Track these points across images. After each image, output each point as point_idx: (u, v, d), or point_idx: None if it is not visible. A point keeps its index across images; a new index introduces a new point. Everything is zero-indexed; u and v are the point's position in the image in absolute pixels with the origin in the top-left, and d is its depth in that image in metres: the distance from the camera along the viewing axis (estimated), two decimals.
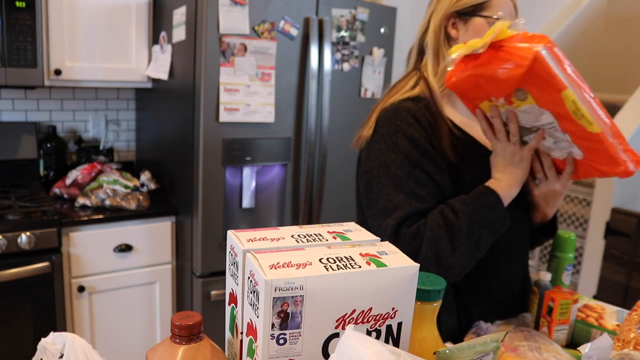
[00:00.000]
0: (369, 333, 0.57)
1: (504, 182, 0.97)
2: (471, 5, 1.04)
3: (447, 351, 0.66)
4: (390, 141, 1.00)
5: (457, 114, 1.08)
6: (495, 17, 1.03)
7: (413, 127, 1.00)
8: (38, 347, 0.53)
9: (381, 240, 0.65)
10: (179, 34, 1.93)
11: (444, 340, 0.72)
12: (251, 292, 0.55)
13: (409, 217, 0.95)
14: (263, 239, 0.61)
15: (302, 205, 2.07)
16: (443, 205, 0.96)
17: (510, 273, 1.09)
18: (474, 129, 1.07)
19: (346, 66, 2.06)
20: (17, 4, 1.82)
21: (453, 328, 1.02)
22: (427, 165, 0.98)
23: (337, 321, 0.55)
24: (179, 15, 1.92)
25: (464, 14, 1.04)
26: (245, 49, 1.81)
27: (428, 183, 0.98)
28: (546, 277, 1.04)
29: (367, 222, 1.05)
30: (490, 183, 0.98)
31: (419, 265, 0.58)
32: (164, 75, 2.07)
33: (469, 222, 0.93)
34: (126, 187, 2.06)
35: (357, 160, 1.11)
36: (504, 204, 0.96)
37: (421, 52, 1.10)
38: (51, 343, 0.53)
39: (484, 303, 1.05)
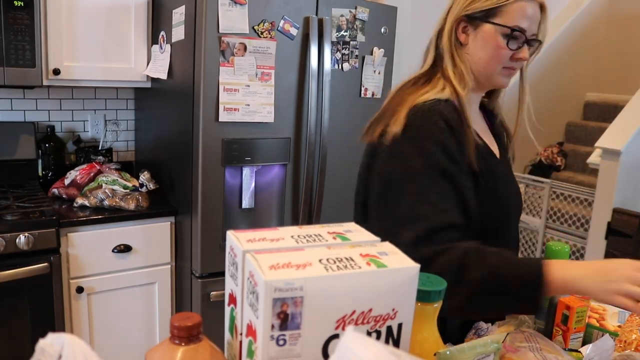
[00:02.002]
0: (369, 334, 0.57)
1: (569, 272, 0.81)
2: (482, 10, 0.95)
3: (448, 352, 0.66)
4: (421, 145, 0.94)
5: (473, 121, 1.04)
6: (509, 26, 0.94)
7: (444, 133, 0.94)
8: (36, 348, 0.53)
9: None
10: (178, 33, 1.93)
11: (445, 341, 0.72)
12: (251, 293, 0.55)
13: (431, 233, 0.89)
14: (263, 240, 0.61)
15: (302, 206, 2.07)
16: (479, 246, 0.88)
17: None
18: (486, 135, 1.06)
19: (346, 66, 2.06)
20: (15, 2, 1.82)
21: (454, 329, 1.01)
22: (455, 175, 0.93)
23: (337, 322, 0.55)
24: (178, 14, 1.92)
25: (475, 19, 0.97)
26: (245, 48, 1.81)
27: (452, 194, 0.93)
28: None
29: (370, 222, 1.01)
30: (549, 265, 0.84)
31: (419, 265, 0.58)
32: (163, 75, 2.07)
33: (475, 287, 0.84)
34: (125, 187, 2.06)
35: (369, 155, 1.03)
36: (541, 291, 0.81)
37: (438, 53, 1.03)
38: (49, 344, 0.53)
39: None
